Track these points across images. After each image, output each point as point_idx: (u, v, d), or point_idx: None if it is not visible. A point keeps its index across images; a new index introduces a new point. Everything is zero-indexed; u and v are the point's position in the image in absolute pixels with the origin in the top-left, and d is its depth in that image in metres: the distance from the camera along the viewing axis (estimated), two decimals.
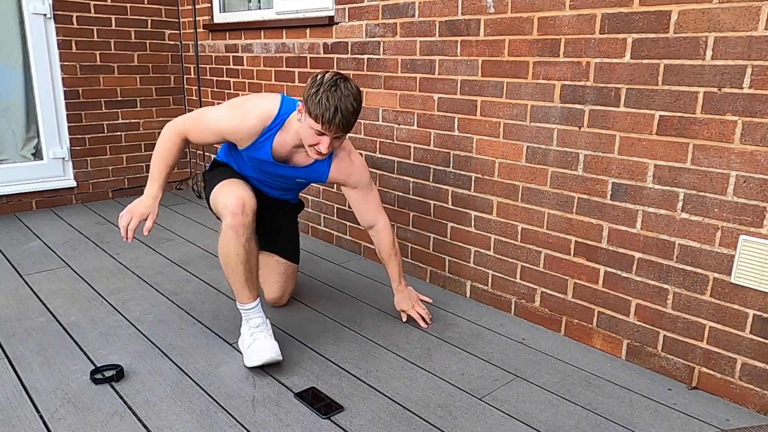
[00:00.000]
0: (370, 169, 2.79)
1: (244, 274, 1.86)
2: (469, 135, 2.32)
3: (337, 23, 2.79)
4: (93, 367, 1.84)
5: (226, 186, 1.92)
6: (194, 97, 4.02)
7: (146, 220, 1.89)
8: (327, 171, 1.99)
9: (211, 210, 1.98)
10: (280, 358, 1.82)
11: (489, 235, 2.33)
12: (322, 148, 1.73)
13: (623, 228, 1.90)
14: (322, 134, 1.72)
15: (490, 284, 2.37)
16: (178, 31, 3.99)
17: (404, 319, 2.18)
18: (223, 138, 1.92)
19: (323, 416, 1.61)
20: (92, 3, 3.62)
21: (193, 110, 4.08)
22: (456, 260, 2.49)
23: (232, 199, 1.83)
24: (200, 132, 1.92)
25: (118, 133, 3.88)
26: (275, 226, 2.26)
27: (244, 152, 1.96)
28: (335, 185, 3.00)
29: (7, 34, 3.44)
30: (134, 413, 1.62)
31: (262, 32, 3.28)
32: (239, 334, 2.07)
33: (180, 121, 1.95)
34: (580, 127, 1.95)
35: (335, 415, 1.62)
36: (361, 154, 2.84)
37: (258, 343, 1.84)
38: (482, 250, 2.37)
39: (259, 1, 3.48)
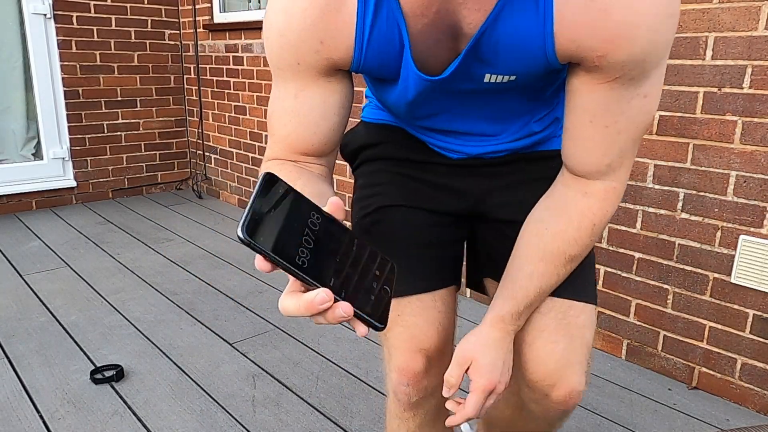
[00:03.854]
0: None
1: None
2: None
3: None
4: (93, 367, 1.84)
5: (400, 304, 0.91)
6: (194, 97, 4.02)
7: None
8: (549, 24, 0.65)
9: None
10: None
11: None
12: None
13: (623, 228, 1.90)
14: None
15: None
16: (178, 31, 3.99)
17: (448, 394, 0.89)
18: (316, 73, 0.74)
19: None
20: (92, 3, 3.62)
21: (193, 110, 4.10)
22: None
23: (405, 351, 0.92)
24: (283, 111, 0.78)
25: (118, 133, 3.88)
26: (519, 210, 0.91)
27: (373, 88, 0.90)
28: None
29: (7, 34, 3.44)
30: (134, 413, 1.62)
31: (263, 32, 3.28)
32: (239, 334, 2.07)
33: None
34: None
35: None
36: None
37: None
38: None
39: (259, 1, 3.48)
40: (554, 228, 0.81)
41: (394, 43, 0.70)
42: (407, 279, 0.91)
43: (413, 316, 0.92)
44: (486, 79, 0.74)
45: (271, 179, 0.49)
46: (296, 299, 0.49)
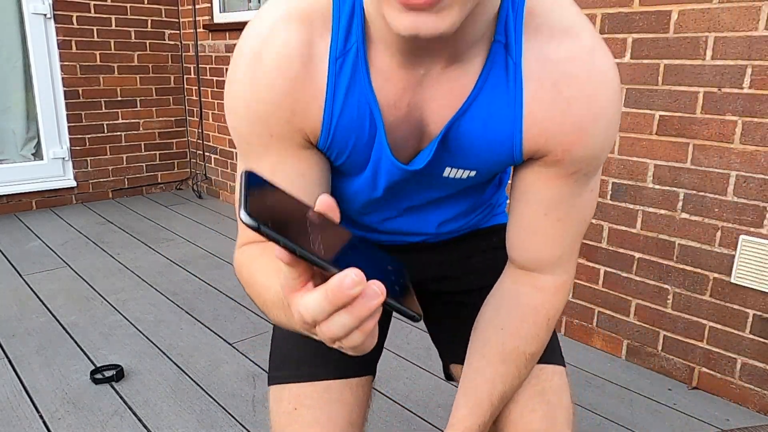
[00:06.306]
0: None
1: None
2: None
3: None
4: (93, 367, 1.84)
5: (301, 391, 0.80)
6: (194, 97, 4.03)
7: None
8: (519, 120, 0.64)
9: None
10: None
11: None
12: None
13: (623, 228, 1.90)
14: None
15: None
16: (178, 31, 3.99)
17: None
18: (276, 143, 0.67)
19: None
20: (92, 3, 3.61)
21: (193, 110, 4.10)
22: None
23: None
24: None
25: (118, 133, 3.88)
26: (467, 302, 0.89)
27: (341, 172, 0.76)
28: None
29: (7, 34, 3.44)
30: (134, 413, 1.62)
31: None
32: (239, 334, 2.07)
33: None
34: None
35: None
36: None
37: None
38: None
39: (259, 1, 3.48)
40: (510, 327, 0.75)
41: (364, 130, 0.65)
42: (314, 359, 0.79)
43: (314, 410, 0.78)
44: (446, 174, 0.71)
45: (254, 176, 0.42)
46: (318, 292, 0.39)
